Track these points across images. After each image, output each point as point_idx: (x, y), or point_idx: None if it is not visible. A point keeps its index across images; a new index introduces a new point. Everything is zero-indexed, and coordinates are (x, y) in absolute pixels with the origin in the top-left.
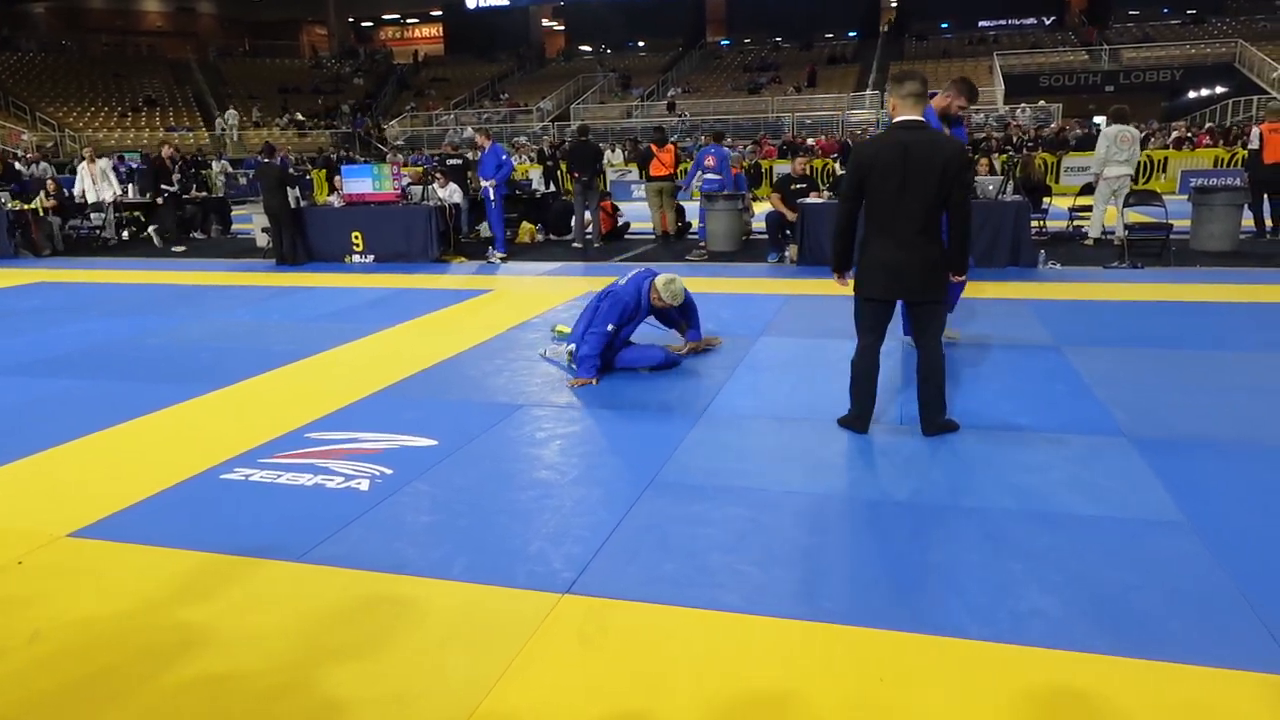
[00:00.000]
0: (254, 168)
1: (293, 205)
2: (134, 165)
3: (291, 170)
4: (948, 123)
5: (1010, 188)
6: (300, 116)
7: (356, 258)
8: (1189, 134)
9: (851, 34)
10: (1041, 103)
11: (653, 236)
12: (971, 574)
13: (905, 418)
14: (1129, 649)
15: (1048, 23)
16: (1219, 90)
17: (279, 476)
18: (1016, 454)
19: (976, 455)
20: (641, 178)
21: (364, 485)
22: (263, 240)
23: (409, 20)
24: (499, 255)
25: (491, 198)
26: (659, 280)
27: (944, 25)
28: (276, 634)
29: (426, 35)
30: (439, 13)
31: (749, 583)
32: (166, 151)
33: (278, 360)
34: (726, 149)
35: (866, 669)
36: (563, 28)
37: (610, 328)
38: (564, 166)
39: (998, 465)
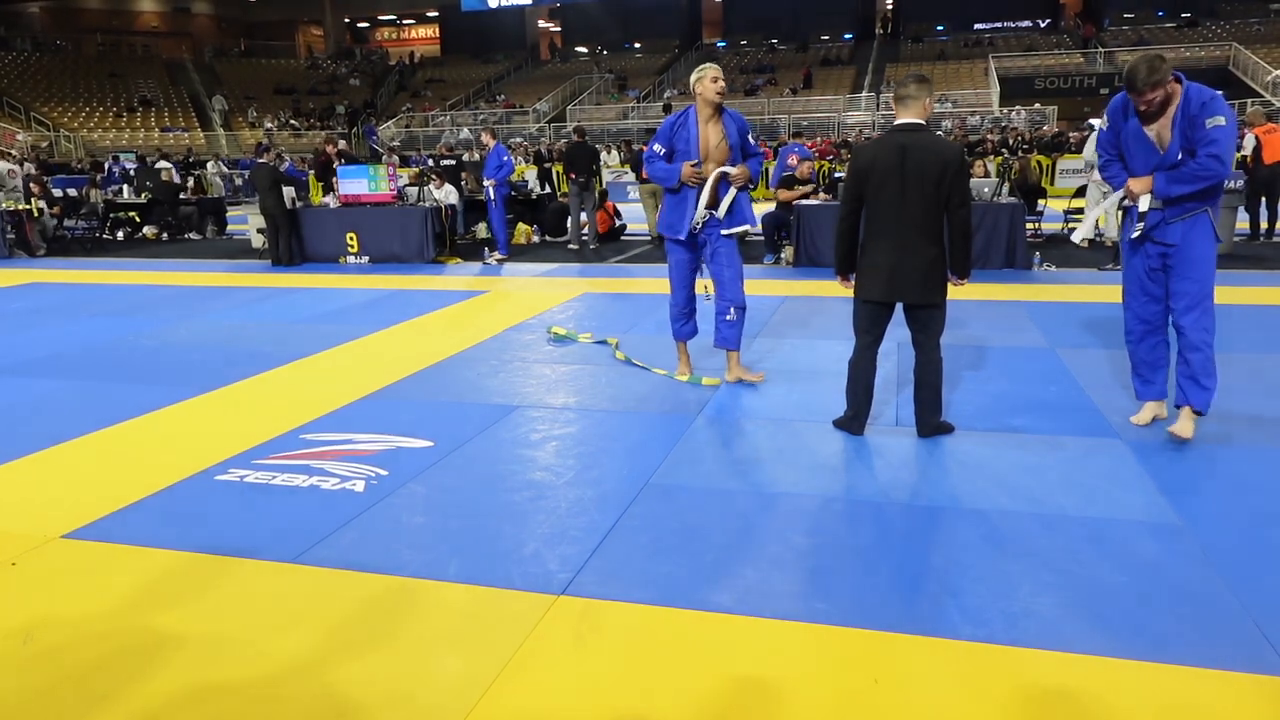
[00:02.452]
0: (249, 167)
1: (288, 206)
2: (128, 166)
3: (289, 168)
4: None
5: (1005, 190)
6: (294, 122)
7: (351, 259)
8: None
9: (847, 36)
10: (1037, 105)
11: (649, 238)
12: (966, 575)
13: (901, 419)
14: (1123, 650)
15: (1043, 25)
16: None
17: (274, 478)
18: (1011, 456)
19: (971, 457)
20: (636, 180)
21: (359, 486)
22: (258, 241)
23: (405, 21)
24: (498, 256)
25: (492, 197)
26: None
27: (940, 27)
28: (270, 635)
29: (422, 36)
30: (435, 14)
31: (744, 584)
32: (333, 149)
33: (273, 361)
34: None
35: (861, 670)
36: (559, 29)
37: (656, 147)
38: (558, 168)
39: (993, 467)
